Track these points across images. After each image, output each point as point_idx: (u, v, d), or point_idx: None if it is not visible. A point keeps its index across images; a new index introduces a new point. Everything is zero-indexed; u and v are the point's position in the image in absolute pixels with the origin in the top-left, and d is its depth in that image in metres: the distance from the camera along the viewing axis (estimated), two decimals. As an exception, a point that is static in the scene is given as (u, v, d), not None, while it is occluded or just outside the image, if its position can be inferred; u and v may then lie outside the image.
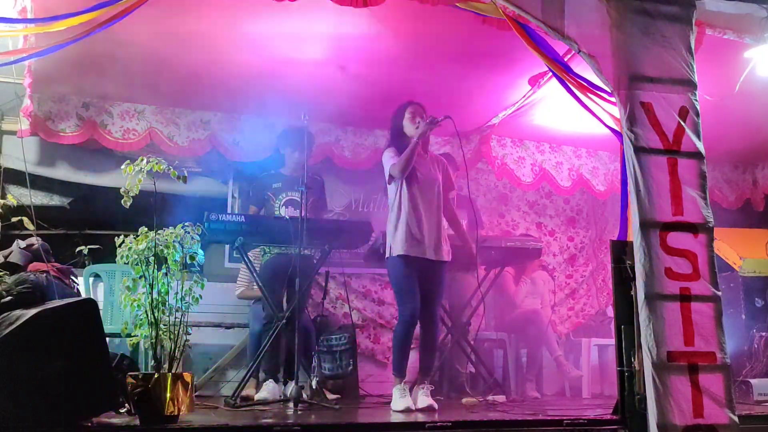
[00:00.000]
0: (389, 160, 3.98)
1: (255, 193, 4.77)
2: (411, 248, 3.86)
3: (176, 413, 2.86)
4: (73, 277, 3.62)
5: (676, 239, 2.92)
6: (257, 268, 4.43)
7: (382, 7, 3.32)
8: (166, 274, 3.00)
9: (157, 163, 2.99)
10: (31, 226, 3.41)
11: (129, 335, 3.12)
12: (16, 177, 5.08)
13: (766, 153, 6.03)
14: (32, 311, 2.73)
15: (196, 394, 4.34)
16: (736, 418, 2.78)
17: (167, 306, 2.99)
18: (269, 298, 4.22)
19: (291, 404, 3.66)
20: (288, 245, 4.19)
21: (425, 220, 3.91)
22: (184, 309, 3.03)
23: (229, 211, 5.47)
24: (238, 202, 5.70)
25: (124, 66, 4.25)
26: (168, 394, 2.83)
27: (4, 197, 4.42)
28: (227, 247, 5.58)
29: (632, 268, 2.98)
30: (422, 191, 3.95)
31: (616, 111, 3.15)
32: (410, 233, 3.87)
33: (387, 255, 3.96)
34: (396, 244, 3.90)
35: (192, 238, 3.09)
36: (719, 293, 2.92)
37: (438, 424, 2.93)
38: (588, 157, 6.08)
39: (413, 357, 4.08)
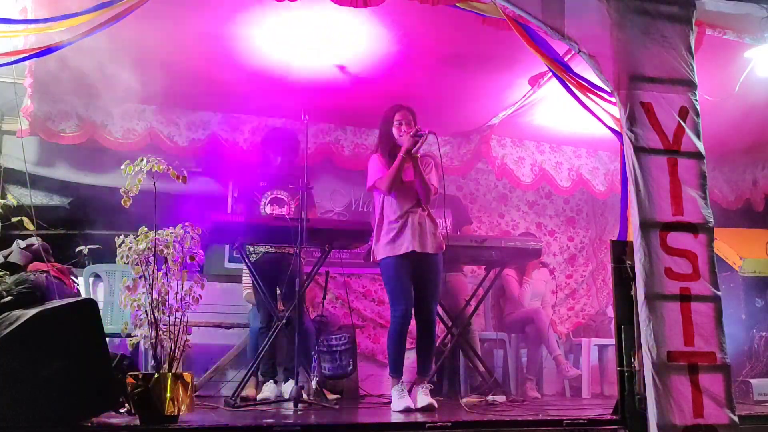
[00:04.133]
0: (375, 173, 3.96)
1: (242, 192, 4.76)
2: (394, 249, 3.84)
3: (176, 413, 2.86)
4: (73, 277, 3.61)
5: (676, 239, 2.92)
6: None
7: (382, 7, 3.33)
8: (166, 274, 3.00)
9: (157, 163, 2.99)
10: (31, 226, 3.40)
11: (129, 335, 3.12)
12: (16, 177, 5.08)
13: (766, 153, 6.03)
14: (32, 311, 2.72)
15: (196, 394, 4.33)
16: (736, 418, 2.78)
17: (167, 306, 2.99)
18: (267, 299, 4.22)
19: (291, 404, 3.66)
20: (288, 246, 4.19)
21: (406, 219, 3.86)
22: (184, 309, 3.03)
23: (229, 211, 5.47)
24: (238, 202, 5.70)
25: (124, 66, 4.24)
26: (168, 394, 2.83)
27: (4, 197, 4.41)
28: (227, 247, 5.57)
29: (632, 268, 2.98)
30: (405, 193, 3.91)
31: (616, 111, 3.15)
32: (391, 236, 3.86)
33: (372, 259, 3.99)
34: (378, 249, 3.92)
35: (192, 238, 3.09)
36: (719, 293, 2.91)
37: (438, 424, 2.93)
38: (588, 157, 6.08)
39: (412, 357, 4.07)
